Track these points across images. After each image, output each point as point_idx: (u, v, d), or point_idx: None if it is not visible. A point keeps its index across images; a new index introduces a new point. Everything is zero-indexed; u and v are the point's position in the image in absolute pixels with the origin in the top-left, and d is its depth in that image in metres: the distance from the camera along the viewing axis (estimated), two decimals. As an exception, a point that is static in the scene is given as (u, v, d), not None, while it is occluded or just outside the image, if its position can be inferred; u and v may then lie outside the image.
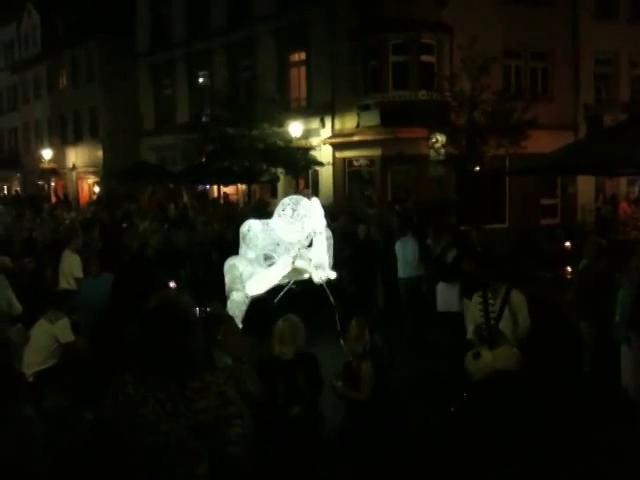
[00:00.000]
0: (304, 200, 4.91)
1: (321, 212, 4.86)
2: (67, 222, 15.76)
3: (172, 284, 5.15)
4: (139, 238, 12.34)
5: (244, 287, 5.09)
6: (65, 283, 9.32)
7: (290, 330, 5.36)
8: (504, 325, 6.55)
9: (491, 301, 6.56)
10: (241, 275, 5.04)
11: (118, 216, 18.07)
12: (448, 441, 6.46)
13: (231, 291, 5.10)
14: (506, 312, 6.54)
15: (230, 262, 5.04)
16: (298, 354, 5.32)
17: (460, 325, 8.95)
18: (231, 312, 4.16)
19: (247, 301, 4.96)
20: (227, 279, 5.16)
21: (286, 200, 4.86)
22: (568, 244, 12.64)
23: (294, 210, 4.71)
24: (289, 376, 5.18)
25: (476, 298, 6.77)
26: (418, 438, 6.49)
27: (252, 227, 4.99)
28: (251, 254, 4.95)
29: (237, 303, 4.88)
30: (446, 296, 10.05)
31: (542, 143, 17.08)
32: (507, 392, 6.17)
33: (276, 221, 4.78)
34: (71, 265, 9.43)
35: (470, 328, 6.79)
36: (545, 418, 6.80)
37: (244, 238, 5.03)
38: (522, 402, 6.30)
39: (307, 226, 4.78)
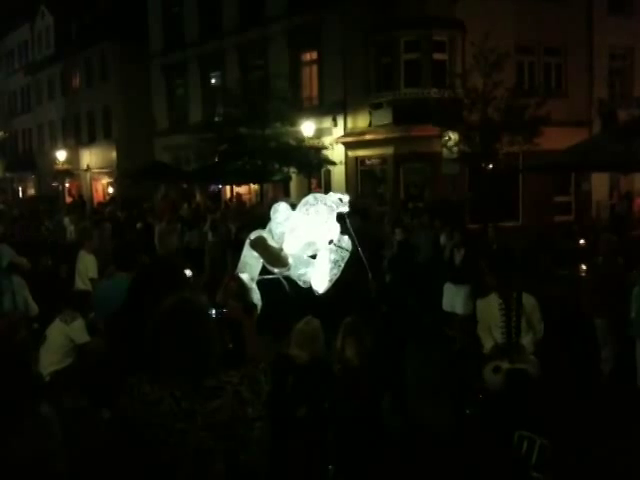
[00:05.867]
0: (329, 199, 4.86)
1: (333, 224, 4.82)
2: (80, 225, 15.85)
3: (188, 272, 5.14)
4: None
5: (252, 267, 5.06)
6: (81, 283, 9.38)
7: (310, 335, 5.31)
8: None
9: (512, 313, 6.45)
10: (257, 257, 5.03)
11: (134, 215, 18.22)
12: (463, 443, 6.41)
13: (240, 271, 5.08)
14: (523, 321, 6.46)
15: (253, 237, 4.96)
16: (313, 359, 5.29)
17: (468, 327, 8.97)
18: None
19: (253, 284, 4.93)
20: (243, 253, 5.14)
21: (310, 198, 4.80)
22: (582, 241, 12.57)
23: (317, 210, 4.66)
24: (300, 378, 5.16)
25: (493, 306, 6.61)
26: (428, 440, 6.49)
27: (280, 210, 4.95)
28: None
29: None
30: (451, 297, 10.04)
31: (556, 139, 16.99)
32: (524, 399, 6.10)
33: (298, 217, 4.74)
34: (86, 265, 9.48)
35: (486, 338, 6.63)
36: (560, 417, 6.77)
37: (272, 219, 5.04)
38: (534, 403, 6.24)
39: (320, 217, 4.75)
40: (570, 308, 9.05)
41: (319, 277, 4.96)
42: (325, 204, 4.71)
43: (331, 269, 4.85)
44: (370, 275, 5.40)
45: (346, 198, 4.89)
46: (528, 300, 6.52)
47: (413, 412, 6.76)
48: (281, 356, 5.29)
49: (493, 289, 6.61)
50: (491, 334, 6.49)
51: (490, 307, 6.56)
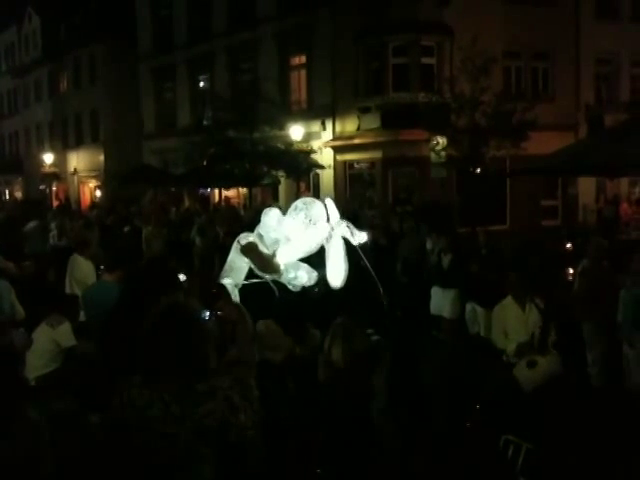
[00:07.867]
0: (317, 205, 4.82)
1: (333, 218, 4.77)
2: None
3: (182, 276, 5.10)
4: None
5: (238, 273, 5.02)
6: (76, 288, 9.05)
7: (273, 333, 5.24)
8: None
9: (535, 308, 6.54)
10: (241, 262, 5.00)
11: (122, 218, 18.12)
12: (460, 445, 6.37)
13: (224, 276, 5.03)
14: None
15: (244, 243, 4.91)
16: (287, 358, 5.23)
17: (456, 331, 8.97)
18: None
19: (235, 290, 4.89)
20: (229, 257, 5.09)
21: (299, 203, 4.77)
22: (569, 245, 12.64)
23: (307, 215, 4.63)
24: (278, 381, 5.11)
25: (513, 308, 6.69)
26: (428, 440, 6.47)
27: (271, 214, 4.91)
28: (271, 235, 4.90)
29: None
30: (439, 300, 10.07)
31: (543, 144, 17.08)
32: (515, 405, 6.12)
33: (289, 223, 4.71)
34: (82, 271, 9.17)
35: (504, 341, 6.64)
36: (548, 420, 6.78)
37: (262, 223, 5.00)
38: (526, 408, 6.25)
39: (319, 233, 4.72)
40: (560, 311, 9.08)
41: (334, 272, 4.91)
42: (332, 228, 4.67)
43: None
44: (380, 285, 5.36)
45: (365, 237, 4.88)
46: (540, 299, 6.66)
47: (412, 414, 6.74)
48: (259, 363, 5.24)
49: (512, 292, 6.70)
50: (508, 337, 6.58)
51: (508, 311, 6.66)
